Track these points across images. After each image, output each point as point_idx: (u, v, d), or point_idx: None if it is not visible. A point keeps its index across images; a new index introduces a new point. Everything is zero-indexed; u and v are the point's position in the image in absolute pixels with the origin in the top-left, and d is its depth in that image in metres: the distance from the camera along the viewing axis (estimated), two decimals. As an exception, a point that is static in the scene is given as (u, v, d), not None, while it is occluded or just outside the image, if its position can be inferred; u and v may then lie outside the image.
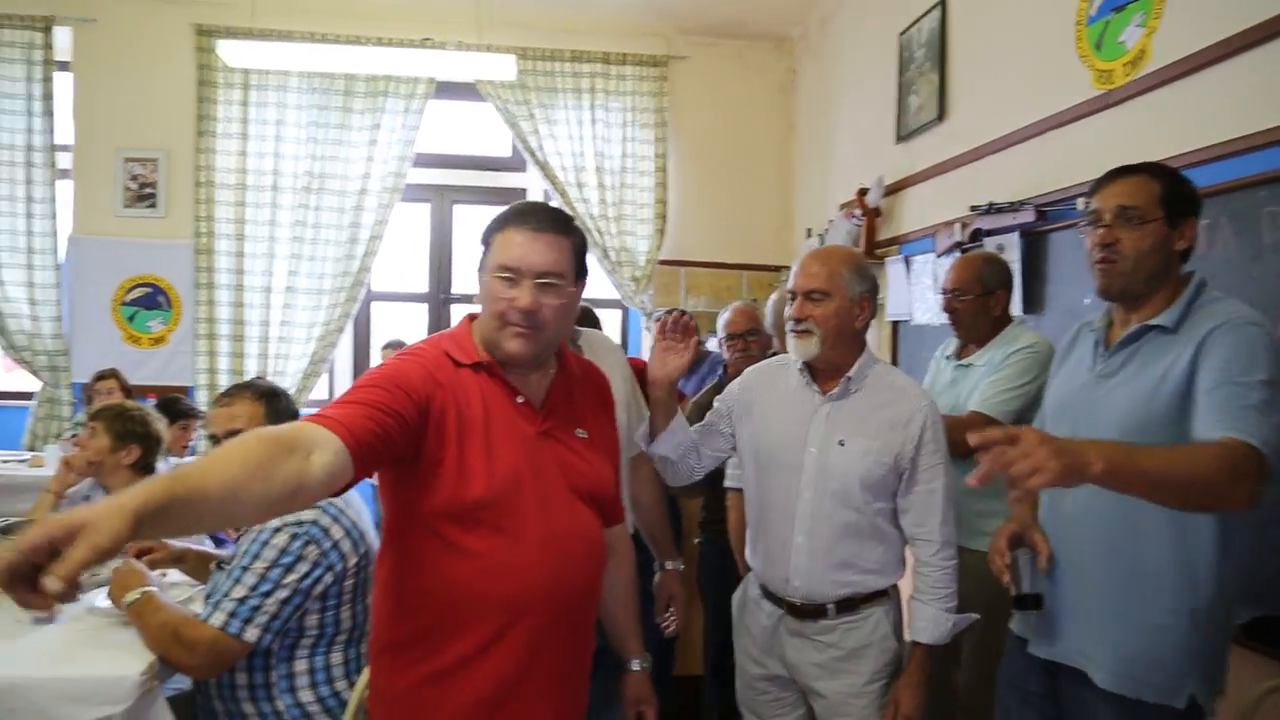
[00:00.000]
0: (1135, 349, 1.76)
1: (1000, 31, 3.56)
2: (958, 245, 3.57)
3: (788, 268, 5.44)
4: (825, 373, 2.12)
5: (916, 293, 4.06)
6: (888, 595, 2.12)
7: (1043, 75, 3.23)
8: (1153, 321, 1.73)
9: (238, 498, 1.14)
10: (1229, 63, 2.43)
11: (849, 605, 2.07)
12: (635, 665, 1.95)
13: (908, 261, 4.13)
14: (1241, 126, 2.37)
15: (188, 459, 4.17)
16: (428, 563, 1.53)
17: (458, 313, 5.82)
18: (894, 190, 4.37)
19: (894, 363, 4.35)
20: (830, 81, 5.38)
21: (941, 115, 3.97)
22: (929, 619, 2.02)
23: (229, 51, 4.69)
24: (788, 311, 2.10)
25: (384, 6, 5.50)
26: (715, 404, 2.30)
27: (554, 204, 5.79)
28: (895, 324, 4.35)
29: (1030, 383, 2.53)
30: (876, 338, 4.57)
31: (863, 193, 4.47)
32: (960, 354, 2.85)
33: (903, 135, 4.32)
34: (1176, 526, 1.64)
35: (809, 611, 2.08)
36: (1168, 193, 1.73)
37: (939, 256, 3.77)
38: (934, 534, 2.03)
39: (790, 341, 2.10)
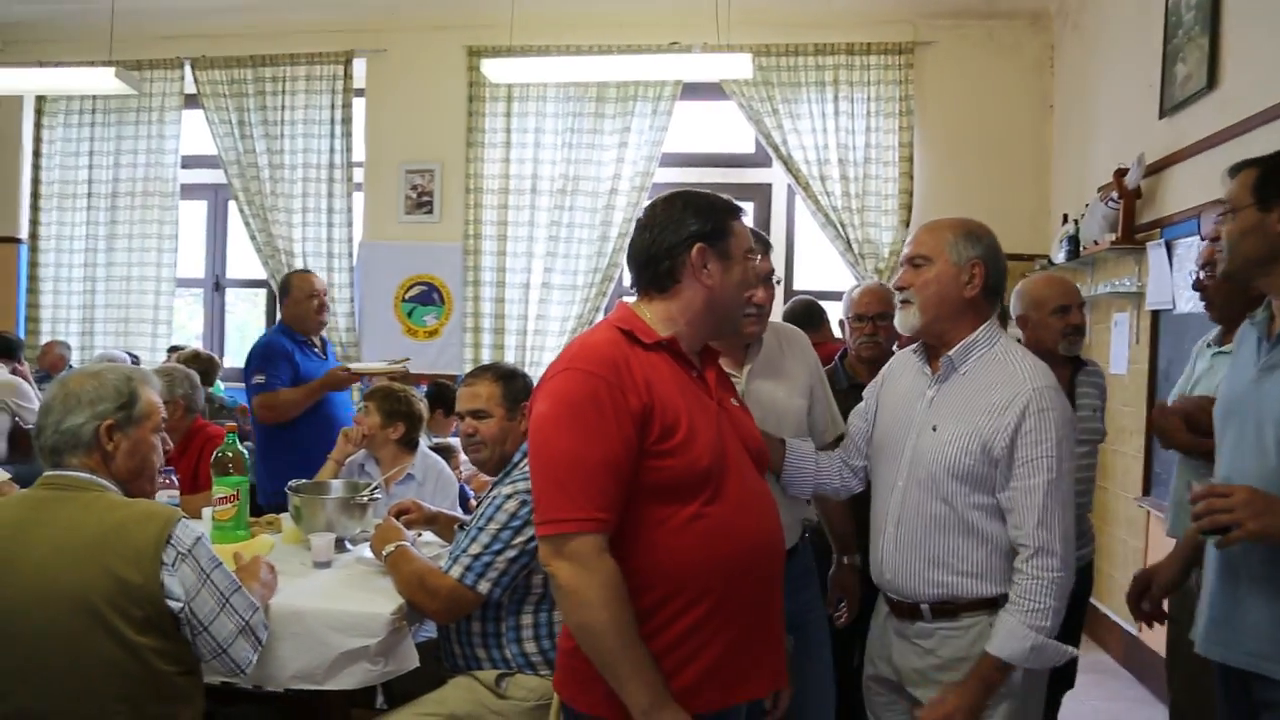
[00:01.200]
0: None
1: (1281, -14, 3.21)
2: (1224, 226, 3.25)
3: (1044, 257, 5.21)
4: (936, 351, 1.93)
5: (1179, 279, 3.73)
6: (998, 606, 1.83)
7: (1328, 32, 2.89)
8: None
9: None
10: None
11: (947, 610, 1.86)
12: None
13: (1169, 246, 3.81)
14: None
15: (451, 438, 4.61)
16: (658, 539, 1.60)
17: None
18: (1155, 170, 4.03)
19: (1153, 356, 4.03)
20: (1090, 56, 5.03)
21: (1212, 84, 3.62)
22: (1005, 629, 1.76)
23: (491, 69, 5.13)
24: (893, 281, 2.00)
25: (630, 14, 5.78)
26: (860, 405, 2.15)
27: (797, 198, 5.86)
28: (1155, 314, 4.02)
29: None
30: (1133, 329, 4.23)
31: (1120, 174, 4.16)
32: (1223, 341, 2.59)
33: (1167, 109, 3.97)
34: None
35: (905, 610, 1.92)
36: (1260, 178, 1.74)
37: (1204, 240, 3.44)
38: (1029, 537, 1.76)
39: (897, 315, 1.96)
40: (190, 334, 6.89)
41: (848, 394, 2.67)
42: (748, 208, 6.10)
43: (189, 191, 6.62)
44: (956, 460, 1.81)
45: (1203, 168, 3.69)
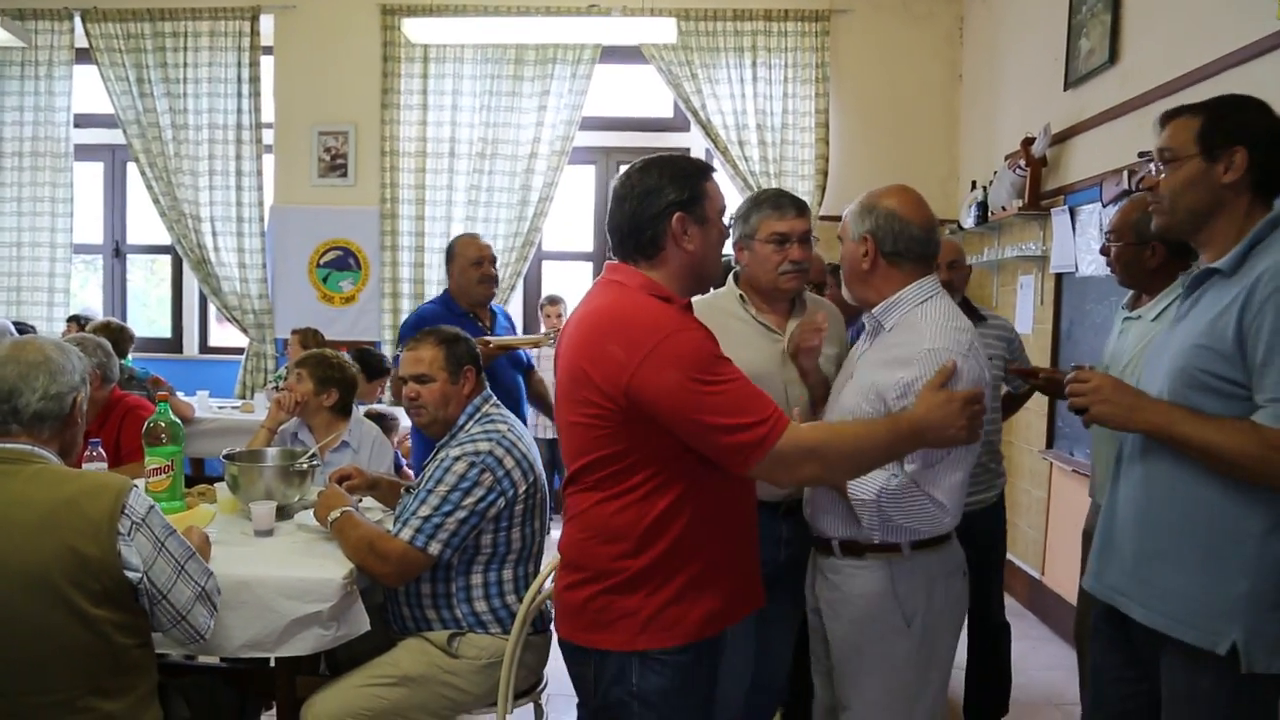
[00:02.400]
0: (1200, 293, 1.72)
1: (1179, -35, 3.39)
2: (1125, 194, 3.44)
3: (954, 221, 5.40)
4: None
5: (1081, 244, 3.94)
6: (899, 550, 1.93)
7: (1222, 10, 3.07)
8: (1213, 265, 1.67)
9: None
10: None
11: (854, 549, 1.96)
12: None
13: (1072, 213, 4.01)
14: None
15: (378, 404, 4.57)
16: (707, 486, 1.73)
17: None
18: (1061, 139, 4.23)
19: (1057, 316, 4.25)
20: (998, 28, 5.21)
21: (1113, 58, 3.81)
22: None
23: (412, 29, 5.03)
24: None
25: (551, -24, 5.72)
26: None
27: (715, 162, 5.92)
28: (1059, 276, 4.23)
29: None
30: (1038, 291, 4.45)
31: (1028, 142, 4.34)
32: (1133, 305, 2.62)
33: (1071, 81, 4.16)
34: (1224, 494, 1.61)
35: (822, 546, 2.04)
36: (1206, 127, 1.66)
37: (1105, 206, 3.64)
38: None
39: None
40: (85, 302, 6.59)
41: None
42: (667, 173, 6.16)
43: (84, 152, 6.30)
44: (857, 407, 1.91)
45: (1104, 138, 3.89)
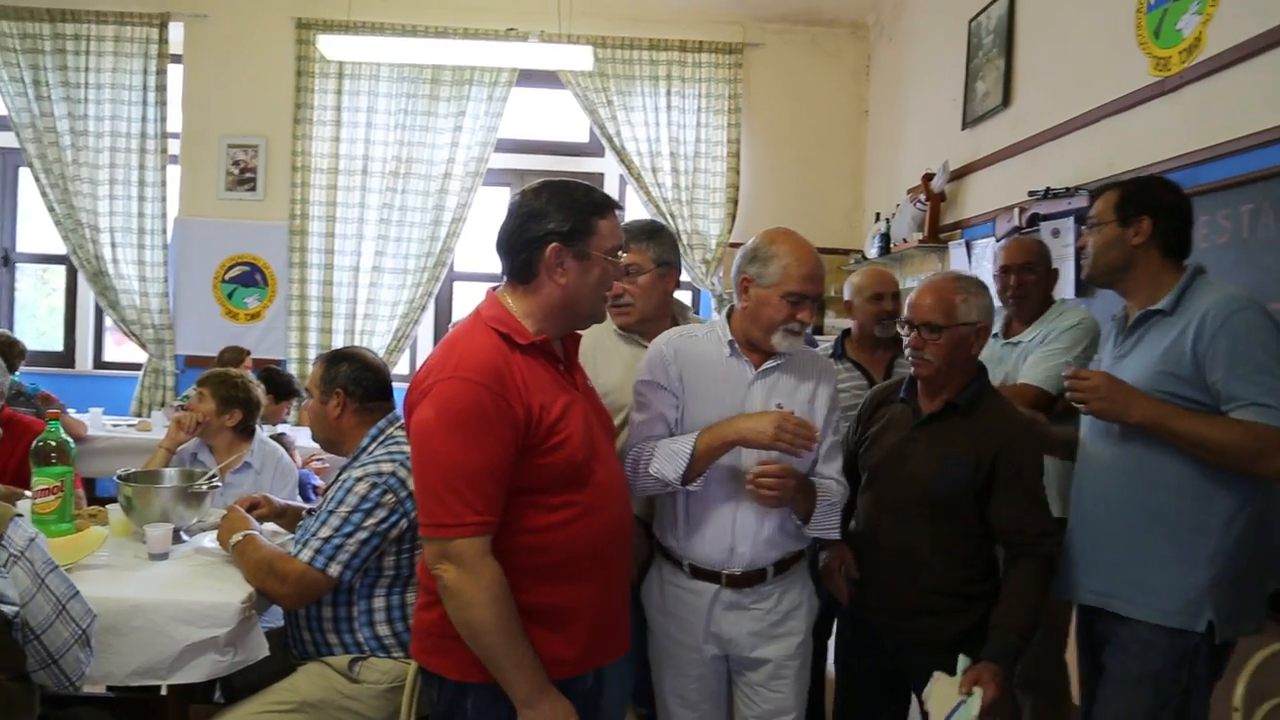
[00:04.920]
0: (1144, 331, 2.02)
1: (1065, 18, 3.60)
2: (1016, 229, 3.62)
3: (858, 252, 5.59)
4: (752, 348, 2.09)
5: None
6: (804, 554, 2.19)
7: (1103, 62, 3.27)
8: (1153, 307, 1.99)
9: None
10: (1278, 50, 2.47)
11: (784, 565, 2.11)
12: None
13: (969, 246, 4.19)
14: (1286, 114, 2.41)
15: (281, 427, 4.48)
16: (537, 527, 1.67)
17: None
18: (959, 175, 4.42)
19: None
20: (902, 68, 5.43)
21: (1006, 101, 4.02)
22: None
23: (327, 45, 4.98)
24: None
25: (469, -2, 5.75)
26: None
27: (628, 188, 6.00)
28: (957, 308, 4.41)
29: (1080, 355, 2.64)
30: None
31: (928, 178, 4.53)
32: (1007, 332, 2.90)
33: (969, 121, 4.37)
34: (1191, 483, 1.89)
35: (749, 580, 2.08)
36: (1121, 198, 2.03)
37: (998, 241, 3.82)
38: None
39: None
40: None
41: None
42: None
43: (-29, 156, 6.05)
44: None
45: (997, 176, 4.09)
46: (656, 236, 2.40)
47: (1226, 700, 1.99)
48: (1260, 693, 1.99)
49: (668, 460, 1.97)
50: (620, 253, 1.77)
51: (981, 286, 2.15)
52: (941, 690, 1.97)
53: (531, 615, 1.66)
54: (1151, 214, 1.99)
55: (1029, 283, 2.82)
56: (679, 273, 2.47)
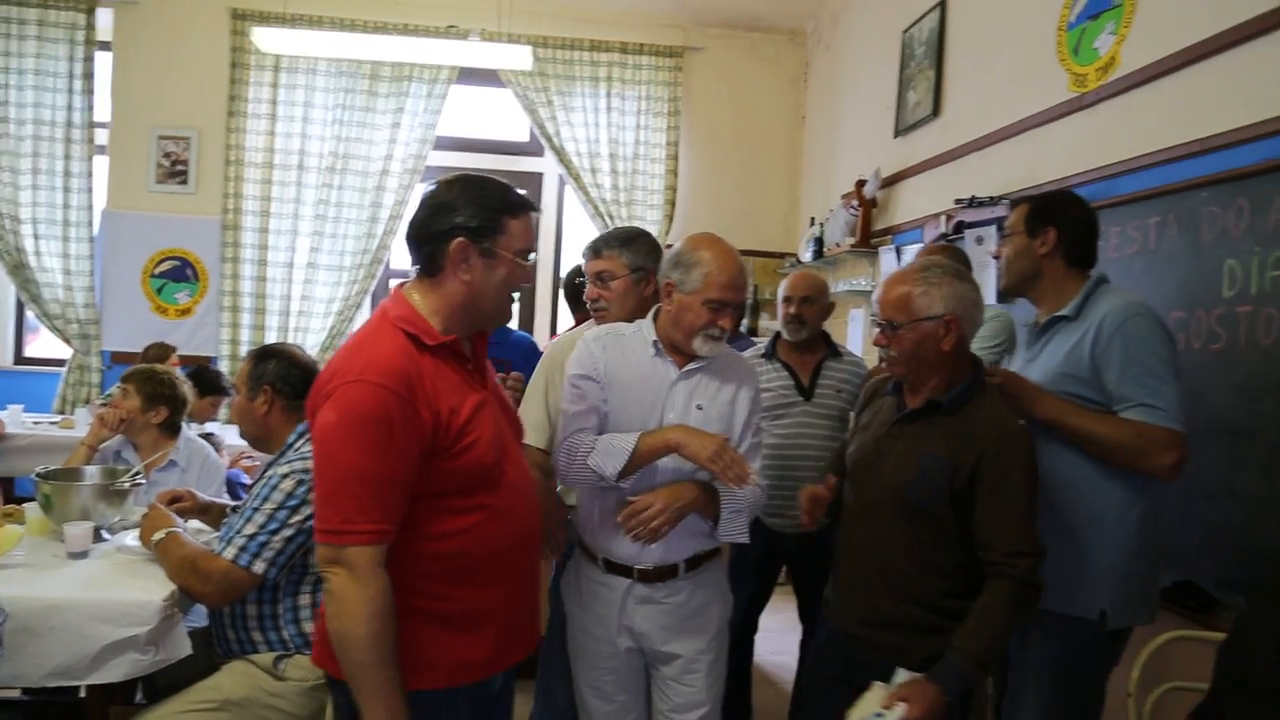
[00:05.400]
0: (1050, 335, 2.13)
1: (993, 32, 3.71)
2: (943, 236, 3.73)
3: (793, 254, 5.68)
4: (671, 348, 2.12)
5: (906, 282, 4.22)
6: (718, 553, 2.21)
7: (1027, 77, 3.38)
8: (1058, 313, 2.10)
9: None
10: (1185, 71, 2.59)
11: (696, 562, 2.15)
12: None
13: (899, 251, 4.29)
14: (1189, 132, 2.52)
15: (210, 426, 4.40)
16: (447, 531, 1.65)
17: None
18: (890, 182, 4.53)
19: (884, 349, 4.52)
20: (838, 75, 5.54)
21: (936, 111, 4.12)
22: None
23: (262, 38, 4.90)
24: None
25: (408, -6, 5.71)
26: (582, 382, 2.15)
27: (567, 188, 6.02)
28: (887, 312, 4.51)
29: (998, 346, 2.78)
30: (867, 324, 4.73)
31: (861, 184, 4.63)
32: None
33: (900, 130, 4.47)
34: (1088, 480, 2.00)
35: (661, 575, 2.11)
36: (1030, 211, 2.15)
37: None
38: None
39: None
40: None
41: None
42: (521, 196, 6.20)
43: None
44: (725, 429, 2.09)
45: (927, 184, 4.20)
46: (632, 243, 2.46)
47: (1124, 685, 2.09)
48: (1155, 678, 2.10)
49: (607, 456, 2.01)
50: (531, 255, 1.73)
51: (953, 274, 1.96)
52: (871, 696, 1.86)
53: (443, 620, 1.64)
54: (1057, 225, 2.10)
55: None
56: None
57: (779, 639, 3.98)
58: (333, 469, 1.56)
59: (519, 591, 1.78)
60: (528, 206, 1.74)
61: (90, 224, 5.68)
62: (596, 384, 2.10)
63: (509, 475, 1.74)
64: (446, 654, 1.65)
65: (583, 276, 3.66)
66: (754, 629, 3.28)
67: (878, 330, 2.01)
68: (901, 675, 1.86)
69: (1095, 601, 1.98)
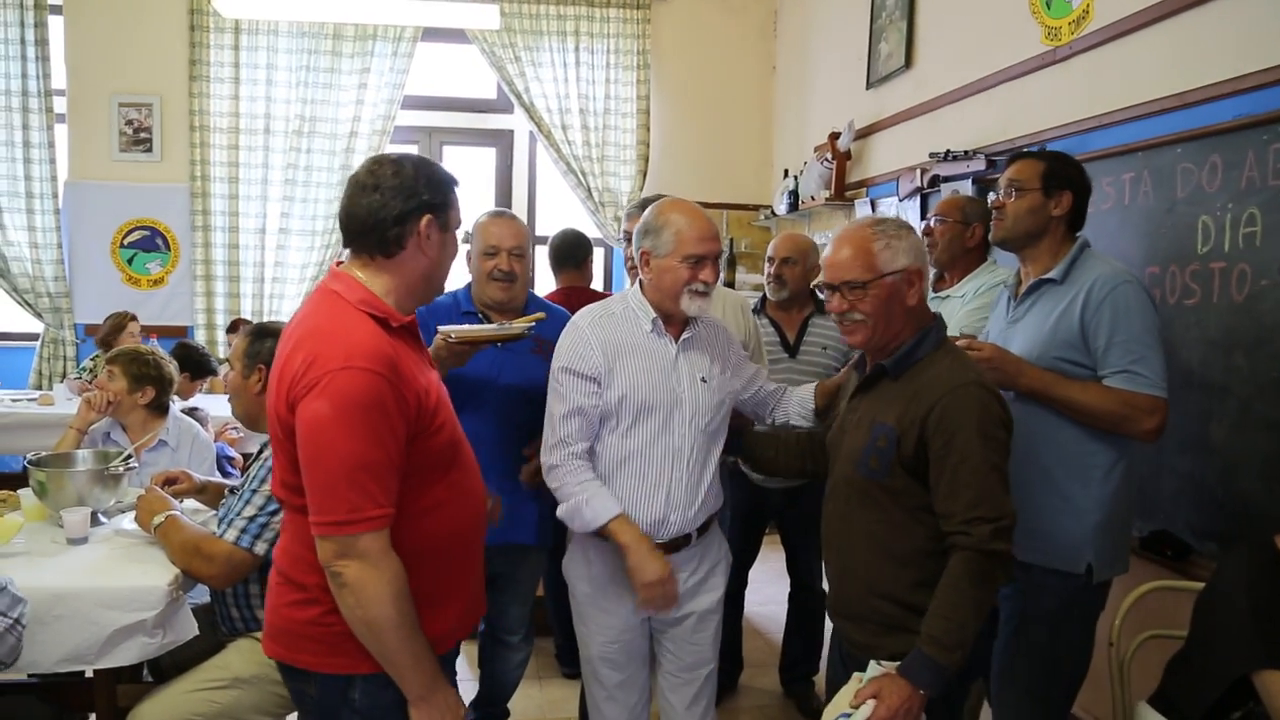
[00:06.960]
0: (1036, 298, 2.17)
1: (964, -17, 3.71)
2: (918, 190, 3.76)
3: (767, 207, 5.69)
4: (663, 318, 2.13)
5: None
6: (716, 515, 2.28)
7: (999, 30, 3.39)
8: (1046, 276, 2.13)
9: None
10: (1160, 25, 2.62)
11: (706, 526, 2.23)
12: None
13: (873, 204, 4.33)
14: (1163, 88, 2.56)
15: (193, 400, 4.39)
16: (423, 510, 1.66)
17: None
18: (864, 135, 4.54)
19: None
20: (808, 26, 5.50)
21: (909, 64, 4.13)
22: None
23: (220, 1, 4.79)
24: None
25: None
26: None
27: (539, 145, 5.97)
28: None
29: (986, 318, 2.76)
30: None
31: (834, 136, 4.64)
32: (936, 286, 2.95)
33: (873, 81, 4.47)
34: (1073, 442, 2.07)
35: (676, 544, 2.15)
36: (1048, 170, 2.13)
37: (901, 200, 3.96)
38: None
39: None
40: None
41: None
42: (490, 154, 6.16)
43: None
44: (730, 400, 2.19)
45: (900, 137, 4.22)
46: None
47: (1106, 635, 2.19)
48: (1135, 627, 2.20)
49: (579, 516, 2.09)
50: (460, 228, 1.80)
51: (904, 226, 1.89)
52: (846, 691, 1.77)
53: (416, 596, 1.63)
54: (1074, 190, 2.13)
55: (938, 231, 2.83)
56: None
57: (766, 589, 4.08)
58: (331, 460, 1.53)
59: (477, 566, 1.85)
60: (457, 182, 1.80)
61: (55, 195, 5.58)
62: (585, 379, 2.09)
63: (464, 452, 1.80)
64: (427, 628, 1.66)
65: (582, 238, 3.65)
66: (744, 584, 3.36)
67: (833, 295, 1.86)
68: (874, 669, 1.74)
69: (1082, 555, 2.06)
